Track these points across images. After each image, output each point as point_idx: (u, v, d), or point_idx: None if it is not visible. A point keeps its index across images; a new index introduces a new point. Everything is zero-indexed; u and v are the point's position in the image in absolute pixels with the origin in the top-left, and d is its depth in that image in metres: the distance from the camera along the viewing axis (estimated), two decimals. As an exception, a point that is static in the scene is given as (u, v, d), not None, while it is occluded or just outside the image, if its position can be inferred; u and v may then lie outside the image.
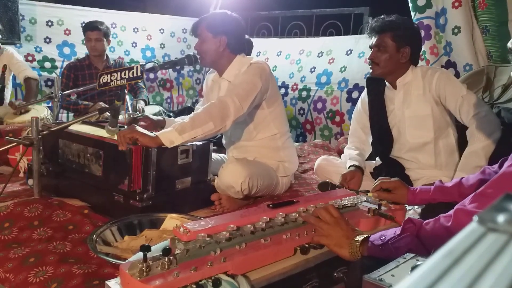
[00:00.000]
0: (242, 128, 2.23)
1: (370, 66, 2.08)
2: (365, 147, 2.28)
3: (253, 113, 2.16)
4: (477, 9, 2.68)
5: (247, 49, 2.28)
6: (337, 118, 3.96)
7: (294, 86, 4.37)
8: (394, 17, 2.03)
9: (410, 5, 2.96)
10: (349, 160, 2.13)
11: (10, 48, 3.58)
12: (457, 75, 2.76)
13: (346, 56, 4.00)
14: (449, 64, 2.86)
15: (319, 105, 4.12)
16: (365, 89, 2.28)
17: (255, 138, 2.23)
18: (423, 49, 2.84)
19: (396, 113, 2.11)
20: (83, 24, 3.69)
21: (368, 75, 2.38)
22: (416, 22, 2.83)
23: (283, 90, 4.38)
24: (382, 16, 2.04)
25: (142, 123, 2.12)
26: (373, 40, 2.04)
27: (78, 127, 2.11)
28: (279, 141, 2.24)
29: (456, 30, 2.73)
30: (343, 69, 3.97)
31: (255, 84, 1.99)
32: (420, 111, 2.03)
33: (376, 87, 2.19)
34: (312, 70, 4.24)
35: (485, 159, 1.82)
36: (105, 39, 3.50)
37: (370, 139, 2.28)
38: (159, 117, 2.33)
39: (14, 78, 3.67)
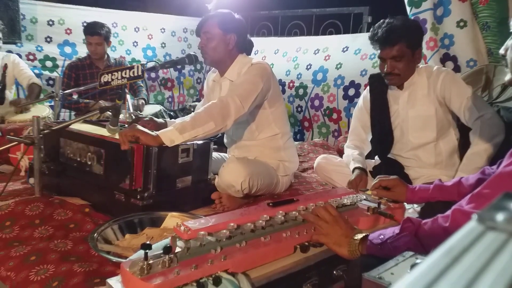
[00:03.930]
0: (244, 128, 2.23)
1: (388, 78, 2.01)
2: (364, 145, 2.28)
3: (255, 113, 2.16)
4: (477, 4, 2.65)
5: (249, 49, 2.28)
6: (334, 116, 3.96)
7: (291, 84, 4.36)
8: (398, 22, 1.94)
9: (406, 0, 2.93)
10: (353, 162, 2.11)
11: (14, 56, 3.57)
12: (456, 69, 2.72)
13: (342, 53, 3.99)
14: (448, 57, 2.80)
15: (316, 103, 4.11)
16: (367, 87, 2.26)
17: (257, 138, 2.23)
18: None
19: (399, 112, 2.10)
20: (85, 24, 3.70)
21: (370, 73, 2.36)
22: (412, 18, 2.77)
23: (280, 88, 4.36)
24: (385, 25, 1.95)
25: (145, 124, 2.13)
26: (386, 50, 1.96)
27: (79, 126, 2.11)
28: (280, 141, 2.24)
29: (462, 24, 2.68)
30: (339, 66, 3.96)
31: (256, 84, 1.99)
32: (424, 111, 2.02)
33: (379, 85, 2.17)
34: (308, 67, 4.23)
35: (487, 161, 1.81)
36: (105, 42, 3.52)
37: (370, 137, 2.28)
38: (161, 120, 2.35)
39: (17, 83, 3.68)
